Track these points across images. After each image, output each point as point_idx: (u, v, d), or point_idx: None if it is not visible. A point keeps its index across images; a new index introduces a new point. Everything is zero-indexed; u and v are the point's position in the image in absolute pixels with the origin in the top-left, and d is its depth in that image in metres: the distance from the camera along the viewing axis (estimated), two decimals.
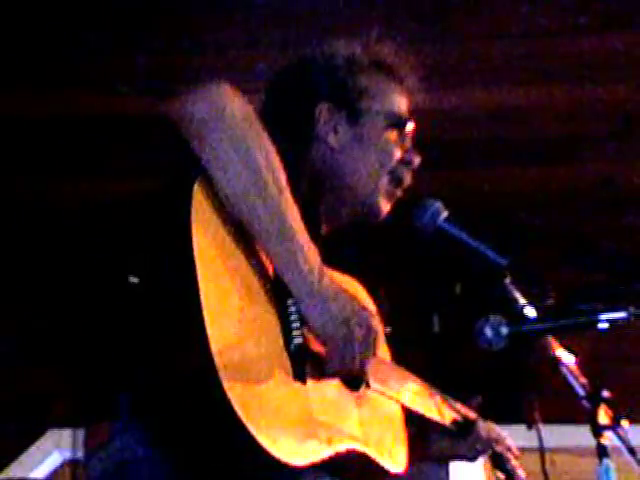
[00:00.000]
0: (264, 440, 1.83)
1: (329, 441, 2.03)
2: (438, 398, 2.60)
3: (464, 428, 2.65)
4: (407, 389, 2.49)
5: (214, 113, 1.99)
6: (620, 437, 1.85)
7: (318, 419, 2.04)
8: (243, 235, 2.01)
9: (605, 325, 1.92)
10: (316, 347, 2.06)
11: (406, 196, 2.39)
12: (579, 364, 1.95)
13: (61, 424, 4.34)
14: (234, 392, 1.81)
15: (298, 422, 1.98)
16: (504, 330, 1.92)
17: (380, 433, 2.31)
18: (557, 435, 3.37)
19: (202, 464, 1.89)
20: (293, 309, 2.03)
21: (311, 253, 1.99)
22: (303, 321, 2.02)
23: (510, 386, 2.77)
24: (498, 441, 2.72)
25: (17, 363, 4.31)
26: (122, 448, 1.99)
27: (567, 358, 1.96)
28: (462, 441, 2.66)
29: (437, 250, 2.22)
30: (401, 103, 2.40)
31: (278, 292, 2.03)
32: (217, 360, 1.81)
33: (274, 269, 2.03)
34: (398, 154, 2.35)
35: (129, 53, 3.89)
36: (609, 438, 1.84)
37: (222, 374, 1.80)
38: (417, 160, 2.39)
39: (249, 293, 2.00)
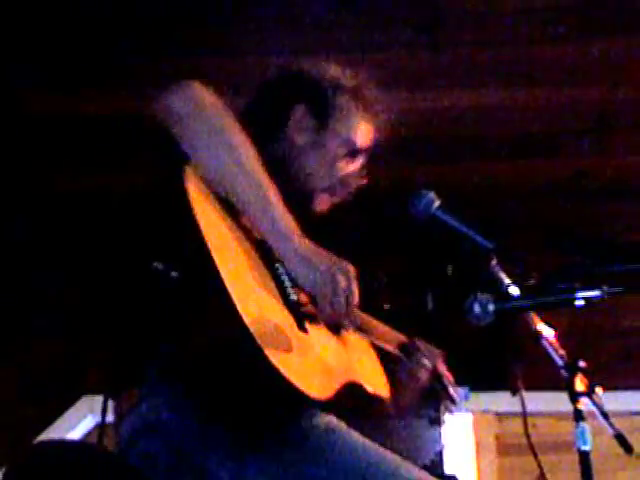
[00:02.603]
0: (295, 381, 1.87)
1: (336, 377, 2.08)
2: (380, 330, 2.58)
3: (407, 347, 2.58)
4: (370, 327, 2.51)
5: (191, 105, 2.04)
6: (595, 403, 1.86)
7: (324, 360, 2.09)
8: (230, 209, 2.04)
9: (581, 302, 1.93)
10: (306, 300, 2.09)
11: (403, 187, 2.39)
12: (558, 337, 1.96)
13: (94, 391, 4.36)
14: (272, 354, 1.85)
15: (312, 364, 2.02)
16: (491, 307, 1.92)
17: (367, 368, 2.35)
18: (538, 401, 3.37)
19: (232, 413, 1.96)
20: (282, 270, 2.06)
21: (289, 218, 2.01)
22: (293, 280, 2.04)
23: (496, 357, 2.78)
24: (438, 359, 2.61)
25: (56, 336, 4.32)
26: (149, 411, 2.03)
27: (547, 332, 1.97)
28: (412, 366, 2.56)
29: (431, 235, 2.22)
30: (363, 132, 2.38)
31: (265, 257, 2.06)
32: (252, 329, 1.84)
33: (258, 236, 2.05)
34: (344, 171, 2.35)
35: (154, 58, 3.89)
36: (585, 404, 1.85)
37: (261, 341, 1.84)
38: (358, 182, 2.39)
39: (249, 259, 2.03)
